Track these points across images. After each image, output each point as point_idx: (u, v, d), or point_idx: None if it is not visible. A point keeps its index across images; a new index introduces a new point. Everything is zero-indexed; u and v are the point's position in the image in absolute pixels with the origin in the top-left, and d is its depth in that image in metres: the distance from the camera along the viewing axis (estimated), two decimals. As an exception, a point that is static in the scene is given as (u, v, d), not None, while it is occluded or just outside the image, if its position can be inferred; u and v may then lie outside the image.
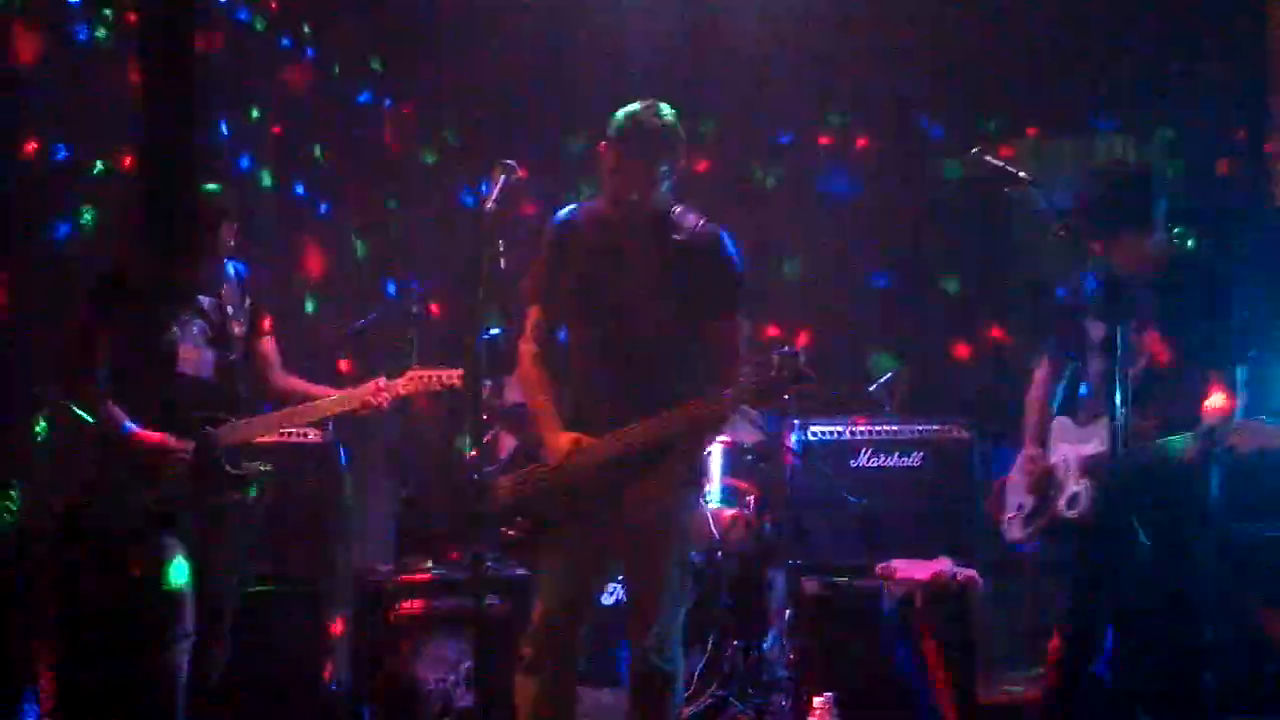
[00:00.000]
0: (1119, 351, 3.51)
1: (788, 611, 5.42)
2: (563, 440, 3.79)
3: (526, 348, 3.97)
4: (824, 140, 6.79)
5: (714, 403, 3.71)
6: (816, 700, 4.92)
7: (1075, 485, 4.02)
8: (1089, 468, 4.00)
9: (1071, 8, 6.29)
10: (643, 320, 3.82)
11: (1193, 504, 3.93)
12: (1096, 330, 4.13)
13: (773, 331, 6.48)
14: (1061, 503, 4.03)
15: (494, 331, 4.88)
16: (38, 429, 4.83)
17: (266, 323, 4.65)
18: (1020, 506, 4.27)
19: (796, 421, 5.45)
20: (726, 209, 6.44)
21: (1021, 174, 3.85)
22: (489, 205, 3.51)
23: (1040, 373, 4.37)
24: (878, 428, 5.32)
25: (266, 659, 4.93)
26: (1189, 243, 4.21)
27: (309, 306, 6.14)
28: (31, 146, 4.97)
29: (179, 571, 4.36)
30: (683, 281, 3.82)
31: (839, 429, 5.36)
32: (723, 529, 5.63)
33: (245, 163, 5.85)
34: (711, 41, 6.52)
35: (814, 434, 5.33)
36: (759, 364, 3.66)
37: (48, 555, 4.75)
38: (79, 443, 4.42)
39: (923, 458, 5.25)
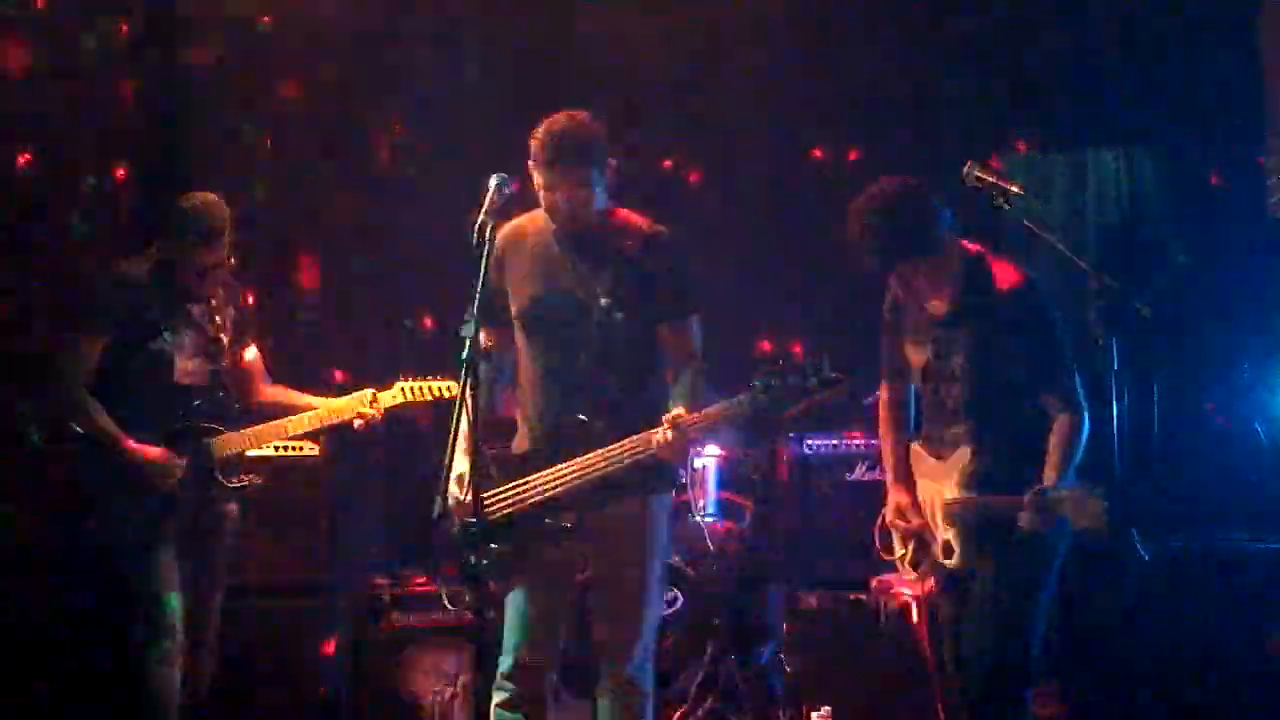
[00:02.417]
0: (1114, 378, 3.30)
1: (785, 625, 5.42)
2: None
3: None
4: (817, 153, 6.75)
5: (736, 406, 3.62)
6: (814, 715, 4.92)
7: (944, 533, 3.84)
8: (948, 516, 3.82)
9: (1065, 22, 6.28)
10: (596, 332, 3.77)
11: (1035, 564, 3.76)
12: (916, 356, 3.95)
13: (765, 346, 6.45)
14: (938, 551, 3.87)
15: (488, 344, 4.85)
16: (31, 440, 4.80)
17: (252, 332, 4.66)
18: (905, 548, 4.07)
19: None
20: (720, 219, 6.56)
21: (1014, 188, 3.82)
22: (480, 217, 3.50)
23: (882, 398, 4.16)
24: (874, 441, 5.30)
25: (257, 673, 4.94)
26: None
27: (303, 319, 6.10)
28: (25, 158, 4.95)
29: (171, 584, 4.35)
30: (634, 288, 3.78)
31: (835, 442, 5.35)
32: (719, 543, 5.63)
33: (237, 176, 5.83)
34: (708, 62, 6.47)
35: (809, 447, 5.32)
36: (782, 368, 3.58)
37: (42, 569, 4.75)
38: (70, 455, 4.40)
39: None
